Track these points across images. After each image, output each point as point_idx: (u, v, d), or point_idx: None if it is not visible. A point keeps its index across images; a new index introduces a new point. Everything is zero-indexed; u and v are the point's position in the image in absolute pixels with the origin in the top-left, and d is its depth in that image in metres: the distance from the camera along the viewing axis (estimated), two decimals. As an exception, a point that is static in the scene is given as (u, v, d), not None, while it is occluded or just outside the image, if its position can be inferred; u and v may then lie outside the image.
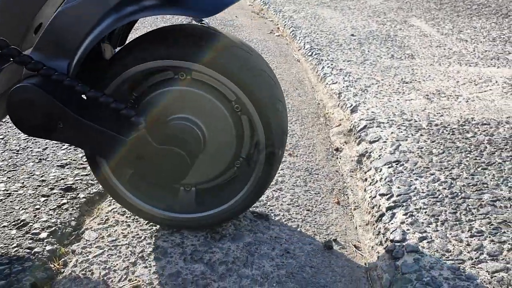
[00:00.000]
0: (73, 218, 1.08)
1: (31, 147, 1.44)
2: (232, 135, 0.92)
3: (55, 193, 1.18)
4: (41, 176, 1.26)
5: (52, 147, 1.44)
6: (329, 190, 1.26)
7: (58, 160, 1.35)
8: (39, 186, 1.21)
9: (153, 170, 0.87)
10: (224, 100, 0.89)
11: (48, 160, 1.35)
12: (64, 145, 1.45)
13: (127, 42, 0.91)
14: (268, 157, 0.92)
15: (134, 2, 0.75)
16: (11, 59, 0.74)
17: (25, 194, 1.17)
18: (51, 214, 1.09)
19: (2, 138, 1.50)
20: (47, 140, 1.48)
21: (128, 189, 0.98)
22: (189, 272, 0.92)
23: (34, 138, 1.50)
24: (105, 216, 1.10)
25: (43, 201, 1.14)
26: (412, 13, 3.15)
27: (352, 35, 2.63)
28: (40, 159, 1.36)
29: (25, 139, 1.50)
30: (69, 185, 1.21)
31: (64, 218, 1.08)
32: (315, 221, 1.12)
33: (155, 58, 0.84)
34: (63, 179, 1.24)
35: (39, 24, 0.83)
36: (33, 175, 1.26)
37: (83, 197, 1.16)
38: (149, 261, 0.95)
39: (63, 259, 0.96)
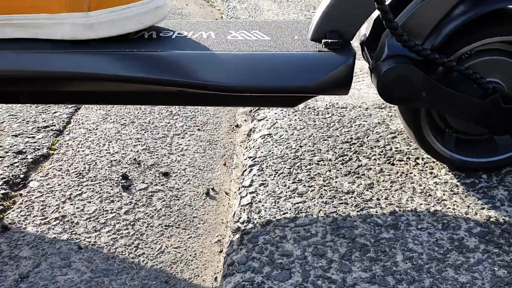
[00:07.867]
0: (22, 173, 1.48)
1: (-9, 121, 1.81)
2: None
3: (9, 155, 1.56)
4: (-1, 143, 1.64)
5: (9, 121, 1.81)
6: (221, 156, 1.68)
7: (13, 132, 1.73)
8: (-3, 150, 1.59)
9: (494, 124, 1.08)
10: None
11: (4, 131, 1.73)
12: (19, 119, 1.83)
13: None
14: None
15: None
16: (407, 47, 0.99)
17: (-14, 156, 1.55)
18: (5, 170, 1.48)
19: (-32, 113, 1.86)
20: (4, 115, 1.85)
21: (440, 142, 1.21)
22: (103, 209, 1.34)
23: (-6, 113, 1.87)
24: (46, 171, 1.50)
25: (0, 160, 1.53)
26: None
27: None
28: (-2, 130, 1.74)
29: (-13, 114, 1.86)
30: (20, 149, 1.60)
31: (15, 172, 1.47)
32: (202, 176, 1.54)
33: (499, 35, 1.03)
34: (16, 145, 1.63)
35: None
36: (-8, 142, 1.64)
37: (31, 158, 1.55)
38: (75, 201, 1.36)
39: (13, 199, 1.36)
